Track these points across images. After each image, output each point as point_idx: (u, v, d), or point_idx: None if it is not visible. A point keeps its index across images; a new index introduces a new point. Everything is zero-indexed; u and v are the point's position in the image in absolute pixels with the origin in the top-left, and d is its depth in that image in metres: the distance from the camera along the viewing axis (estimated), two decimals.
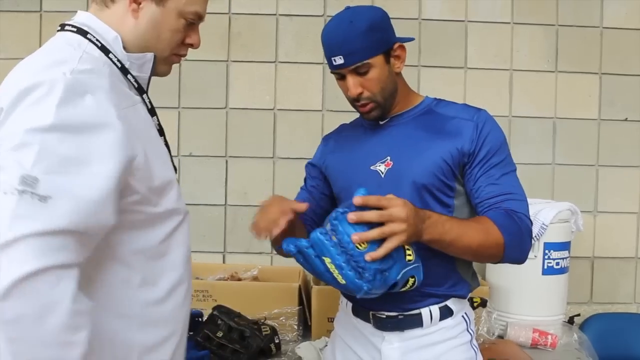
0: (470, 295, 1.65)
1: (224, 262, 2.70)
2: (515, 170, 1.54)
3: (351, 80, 1.49)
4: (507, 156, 1.53)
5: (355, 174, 1.57)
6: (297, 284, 2.28)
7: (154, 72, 1.27)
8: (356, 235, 1.20)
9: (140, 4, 1.18)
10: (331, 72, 1.54)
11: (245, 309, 2.18)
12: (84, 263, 0.98)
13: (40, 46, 1.19)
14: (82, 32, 1.16)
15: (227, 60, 2.68)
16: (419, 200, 1.46)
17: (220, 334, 2.02)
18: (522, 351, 2.17)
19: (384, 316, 1.53)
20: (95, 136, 1.01)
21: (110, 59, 1.16)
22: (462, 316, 1.57)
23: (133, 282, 1.13)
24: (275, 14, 2.68)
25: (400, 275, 1.28)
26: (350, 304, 1.62)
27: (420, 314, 1.51)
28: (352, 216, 1.21)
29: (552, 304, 2.38)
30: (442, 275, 1.52)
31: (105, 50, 1.16)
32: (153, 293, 1.16)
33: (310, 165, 1.79)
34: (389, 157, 1.54)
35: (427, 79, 2.67)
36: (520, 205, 1.47)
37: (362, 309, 1.57)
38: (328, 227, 1.24)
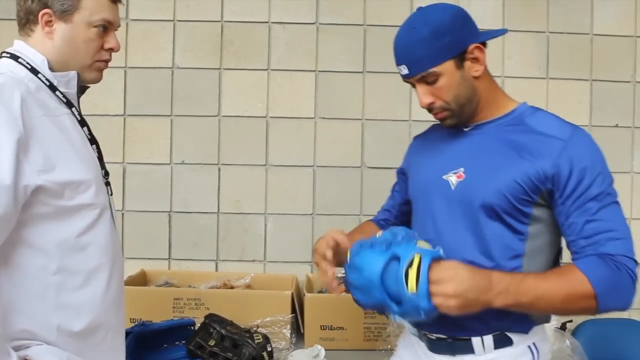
0: None
1: (216, 270, 2.69)
2: (616, 201, 1.33)
3: (420, 89, 1.40)
4: (607, 186, 1.32)
5: (427, 181, 1.48)
6: (290, 292, 2.27)
7: (84, 82, 1.43)
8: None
9: (52, 26, 1.35)
10: (403, 81, 1.45)
11: (238, 317, 2.19)
12: None
13: None
14: (14, 57, 1.35)
15: (219, 68, 2.68)
16: (485, 223, 1.36)
17: (212, 342, 2.01)
18: None
19: (434, 338, 1.45)
20: None
21: (40, 79, 1.34)
22: (529, 346, 1.42)
23: (49, 269, 1.28)
24: (267, 22, 2.69)
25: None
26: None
27: (470, 340, 1.41)
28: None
29: None
30: (500, 310, 1.33)
31: (34, 71, 1.34)
32: (70, 281, 1.32)
33: (400, 169, 1.72)
34: (462, 169, 1.41)
35: None
36: (621, 245, 1.29)
37: (418, 328, 1.50)
38: None
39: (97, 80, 1.45)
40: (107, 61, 1.44)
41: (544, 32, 2.74)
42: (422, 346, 1.50)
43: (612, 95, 2.76)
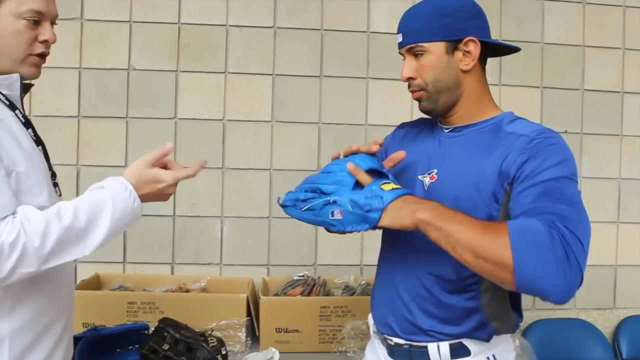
0: None
1: (172, 273, 2.67)
2: (577, 197, 1.19)
3: (406, 62, 1.39)
4: (565, 175, 1.21)
5: (403, 178, 1.45)
6: (246, 295, 2.27)
7: (23, 78, 1.35)
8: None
9: None
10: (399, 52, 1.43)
11: (193, 320, 2.18)
12: None
13: None
14: None
15: (176, 71, 2.67)
16: None
17: (166, 346, 2.00)
18: None
19: (393, 343, 1.45)
20: None
21: None
22: (488, 358, 1.39)
23: None
24: (225, 25, 2.69)
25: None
26: (373, 322, 1.56)
27: (426, 347, 1.39)
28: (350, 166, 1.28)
29: None
30: (460, 314, 1.35)
31: None
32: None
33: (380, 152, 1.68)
34: (435, 170, 1.40)
35: (376, 90, 2.71)
36: (570, 217, 1.12)
37: (378, 331, 1.51)
38: None
39: (34, 76, 1.38)
40: (42, 55, 1.37)
41: (497, 39, 2.80)
42: (383, 350, 1.51)
43: (561, 102, 2.85)
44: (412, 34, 1.36)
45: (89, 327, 2.12)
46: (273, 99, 2.69)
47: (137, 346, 2.08)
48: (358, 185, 1.26)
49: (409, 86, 1.42)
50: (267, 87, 2.69)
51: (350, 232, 1.24)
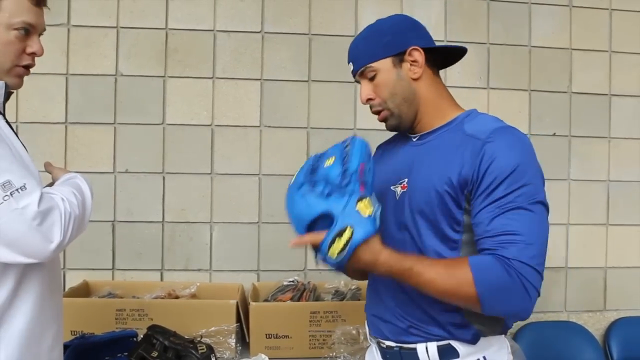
0: None
1: (161, 280, 2.66)
2: (529, 207, 1.26)
3: (362, 86, 1.46)
4: (520, 188, 1.26)
5: (379, 190, 1.45)
6: (235, 301, 2.26)
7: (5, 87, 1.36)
8: None
9: None
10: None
11: (182, 327, 2.17)
12: None
13: None
14: None
15: (164, 76, 2.66)
16: (419, 231, 1.38)
17: (155, 353, 1.99)
18: None
19: (385, 346, 1.49)
20: None
21: None
22: (479, 359, 1.40)
23: None
24: (212, 30, 2.68)
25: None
26: (367, 328, 1.59)
27: (415, 349, 1.42)
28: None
29: None
30: (440, 315, 1.39)
31: None
32: None
33: None
34: (406, 180, 1.44)
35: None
36: (521, 251, 1.22)
37: (372, 336, 1.55)
38: None
39: (17, 86, 1.39)
40: (28, 67, 1.39)
41: (485, 43, 2.82)
42: (379, 355, 1.54)
43: (549, 105, 2.86)
44: (359, 59, 1.45)
45: (78, 335, 2.10)
46: (261, 104, 2.68)
47: (125, 354, 2.07)
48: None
49: (371, 108, 1.48)
50: (256, 92, 2.69)
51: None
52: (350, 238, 1.23)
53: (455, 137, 1.39)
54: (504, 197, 1.26)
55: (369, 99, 1.46)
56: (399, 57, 1.42)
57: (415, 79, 1.43)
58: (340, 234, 1.23)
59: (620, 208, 2.90)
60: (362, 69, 1.44)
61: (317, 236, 1.26)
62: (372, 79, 1.44)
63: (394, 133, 1.60)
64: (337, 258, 1.24)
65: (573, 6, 2.87)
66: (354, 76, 1.49)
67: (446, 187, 1.33)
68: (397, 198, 1.44)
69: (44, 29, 1.41)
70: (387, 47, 1.42)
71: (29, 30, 1.34)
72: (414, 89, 1.44)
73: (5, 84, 1.34)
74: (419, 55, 1.42)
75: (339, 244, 1.23)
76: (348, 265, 1.28)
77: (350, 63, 1.48)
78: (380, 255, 1.28)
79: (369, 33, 1.47)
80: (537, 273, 1.23)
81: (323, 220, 1.25)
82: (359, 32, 1.53)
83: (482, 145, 1.30)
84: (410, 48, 1.42)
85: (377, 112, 1.47)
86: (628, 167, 2.92)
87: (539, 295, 1.25)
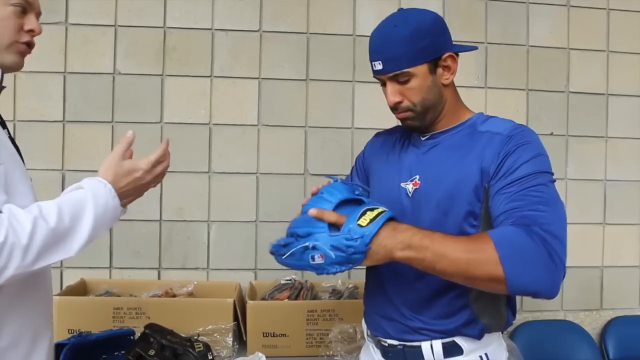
0: None
1: (159, 278, 2.66)
2: (550, 185, 1.27)
3: (390, 87, 1.40)
4: (539, 172, 1.27)
5: (386, 188, 1.48)
6: (232, 300, 2.26)
7: (4, 68, 1.33)
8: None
9: None
10: (373, 77, 1.45)
11: (179, 325, 2.16)
12: None
13: None
14: None
15: (162, 75, 2.66)
16: (441, 227, 1.30)
17: (152, 352, 1.99)
18: None
19: (387, 344, 1.48)
20: None
21: None
22: (480, 356, 1.41)
23: None
24: (210, 29, 2.68)
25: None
26: (365, 327, 1.59)
27: (420, 347, 1.42)
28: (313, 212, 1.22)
29: None
30: (449, 310, 1.39)
31: None
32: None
33: (360, 157, 1.71)
34: (418, 177, 1.43)
35: (362, 94, 2.72)
36: (545, 222, 1.18)
37: (372, 334, 1.54)
38: None
39: (18, 65, 1.36)
40: (28, 44, 1.36)
41: (483, 42, 2.82)
42: (378, 353, 1.53)
43: (547, 105, 2.87)
44: (395, 61, 1.37)
45: (75, 333, 2.10)
46: (259, 103, 2.69)
47: (122, 352, 2.06)
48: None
49: (395, 109, 1.43)
50: (253, 90, 2.69)
51: (335, 273, 1.21)
52: (383, 211, 1.20)
53: (469, 135, 1.41)
54: (524, 177, 1.25)
55: (398, 102, 1.41)
56: (435, 62, 1.39)
57: (445, 85, 1.42)
58: (371, 209, 1.21)
59: (617, 207, 2.91)
60: (397, 72, 1.37)
61: (340, 216, 1.21)
62: (403, 82, 1.38)
63: (391, 125, 1.59)
64: (367, 227, 1.16)
65: (571, 6, 2.88)
66: (379, 75, 1.42)
67: (467, 183, 1.34)
68: (410, 195, 1.43)
69: (40, 13, 1.40)
70: (426, 51, 1.36)
71: (26, 8, 1.34)
72: (443, 94, 1.43)
73: (2, 69, 1.32)
74: (452, 62, 1.41)
75: (370, 214, 1.19)
76: (369, 249, 1.17)
77: (378, 62, 1.39)
78: (399, 225, 1.21)
79: (407, 33, 1.35)
80: (561, 244, 1.18)
81: None
82: (377, 26, 1.44)
83: (504, 139, 1.33)
84: (447, 54, 1.39)
85: (401, 112, 1.43)
86: (625, 167, 2.92)
87: (564, 274, 1.17)
